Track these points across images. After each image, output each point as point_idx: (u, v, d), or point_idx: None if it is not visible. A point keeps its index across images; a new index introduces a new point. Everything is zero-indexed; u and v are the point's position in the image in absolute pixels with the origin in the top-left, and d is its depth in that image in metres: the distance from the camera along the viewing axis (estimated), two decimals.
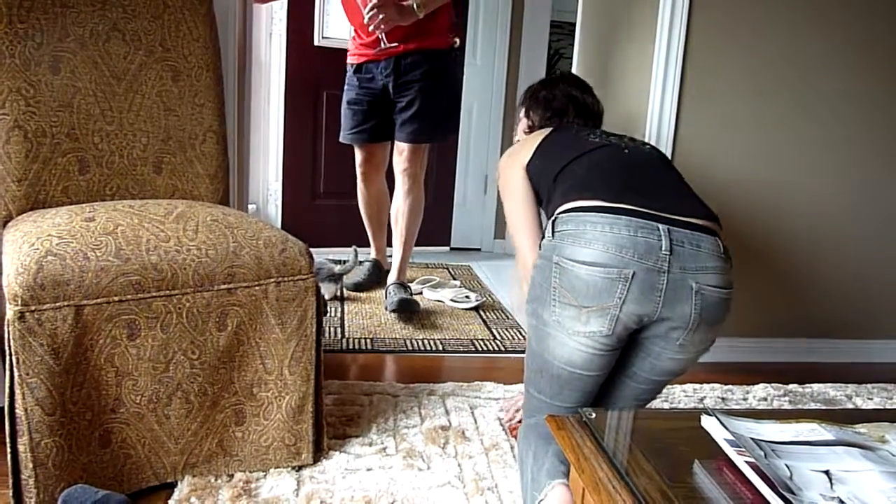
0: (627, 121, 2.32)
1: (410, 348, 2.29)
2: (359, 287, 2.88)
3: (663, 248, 1.16)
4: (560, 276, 1.23)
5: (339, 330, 2.41)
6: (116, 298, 1.24)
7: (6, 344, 1.17)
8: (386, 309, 2.60)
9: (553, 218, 1.31)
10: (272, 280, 1.38)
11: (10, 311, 1.16)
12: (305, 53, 3.32)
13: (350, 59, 2.70)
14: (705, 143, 2.21)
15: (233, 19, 1.87)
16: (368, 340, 2.32)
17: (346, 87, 2.73)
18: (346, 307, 2.67)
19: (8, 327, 1.16)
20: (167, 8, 1.63)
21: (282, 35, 3.35)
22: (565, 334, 1.25)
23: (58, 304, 1.19)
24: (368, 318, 2.56)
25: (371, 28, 2.33)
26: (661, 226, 1.19)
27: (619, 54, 2.45)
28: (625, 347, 1.32)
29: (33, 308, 1.17)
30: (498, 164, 1.64)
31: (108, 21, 1.55)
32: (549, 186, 1.44)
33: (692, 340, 1.24)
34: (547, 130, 1.59)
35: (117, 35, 1.56)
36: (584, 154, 1.42)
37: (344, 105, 2.75)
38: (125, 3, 1.58)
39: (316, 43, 3.32)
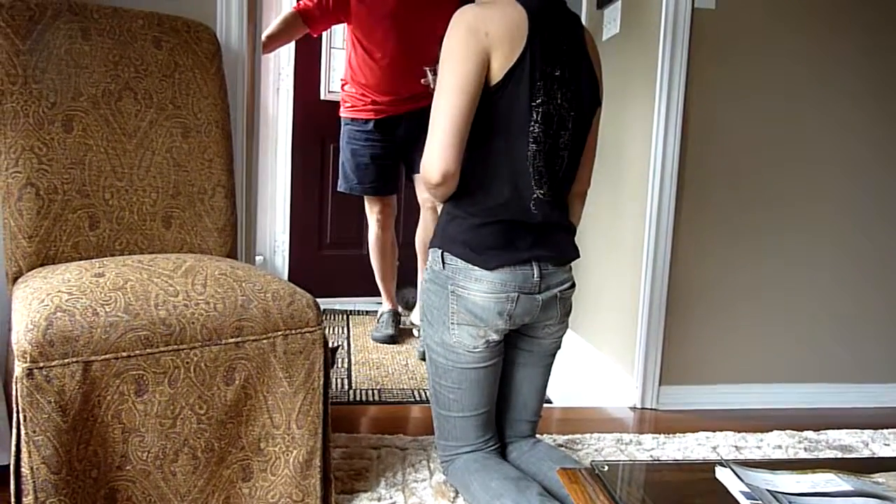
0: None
1: (418, 399, 2.27)
2: (393, 339, 2.91)
3: (535, 276, 1.50)
4: (457, 301, 1.49)
5: (346, 381, 2.39)
6: (125, 354, 1.24)
7: (13, 402, 1.16)
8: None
9: (443, 252, 1.52)
10: (280, 333, 1.38)
11: (19, 369, 1.16)
12: (311, 108, 3.39)
13: (361, 115, 2.80)
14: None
15: (241, 76, 1.91)
16: (376, 391, 2.31)
17: (361, 142, 2.82)
18: (353, 357, 2.65)
19: (16, 385, 1.16)
20: (178, 67, 1.67)
21: (289, 90, 3.43)
22: (469, 346, 1.51)
23: (66, 361, 1.19)
24: (376, 368, 2.55)
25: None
26: (533, 261, 1.50)
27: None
28: (514, 342, 1.62)
29: (42, 365, 1.17)
30: (455, 18, 1.42)
31: (121, 80, 1.59)
32: (470, 150, 1.45)
33: (559, 325, 1.62)
34: (517, 53, 1.41)
35: (129, 94, 1.60)
36: (502, 182, 1.47)
37: (363, 159, 2.82)
38: (137, 63, 1.62)
39: (322, 97, 3.39)
